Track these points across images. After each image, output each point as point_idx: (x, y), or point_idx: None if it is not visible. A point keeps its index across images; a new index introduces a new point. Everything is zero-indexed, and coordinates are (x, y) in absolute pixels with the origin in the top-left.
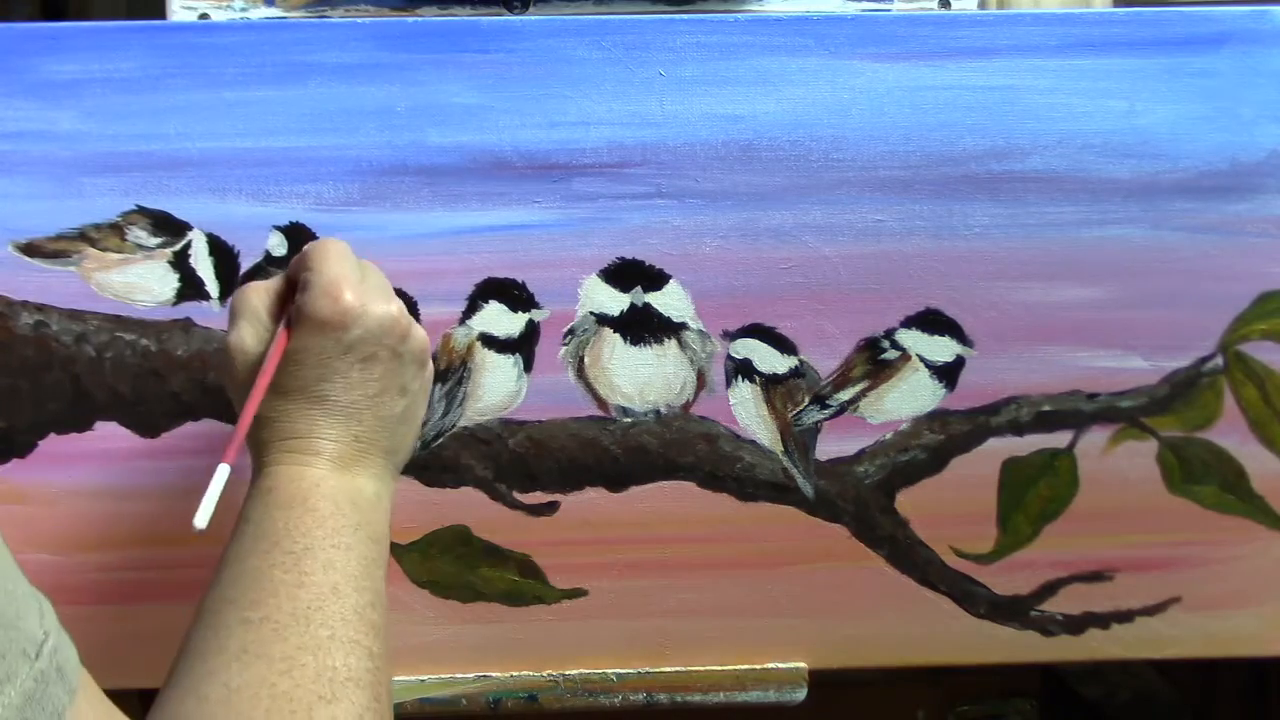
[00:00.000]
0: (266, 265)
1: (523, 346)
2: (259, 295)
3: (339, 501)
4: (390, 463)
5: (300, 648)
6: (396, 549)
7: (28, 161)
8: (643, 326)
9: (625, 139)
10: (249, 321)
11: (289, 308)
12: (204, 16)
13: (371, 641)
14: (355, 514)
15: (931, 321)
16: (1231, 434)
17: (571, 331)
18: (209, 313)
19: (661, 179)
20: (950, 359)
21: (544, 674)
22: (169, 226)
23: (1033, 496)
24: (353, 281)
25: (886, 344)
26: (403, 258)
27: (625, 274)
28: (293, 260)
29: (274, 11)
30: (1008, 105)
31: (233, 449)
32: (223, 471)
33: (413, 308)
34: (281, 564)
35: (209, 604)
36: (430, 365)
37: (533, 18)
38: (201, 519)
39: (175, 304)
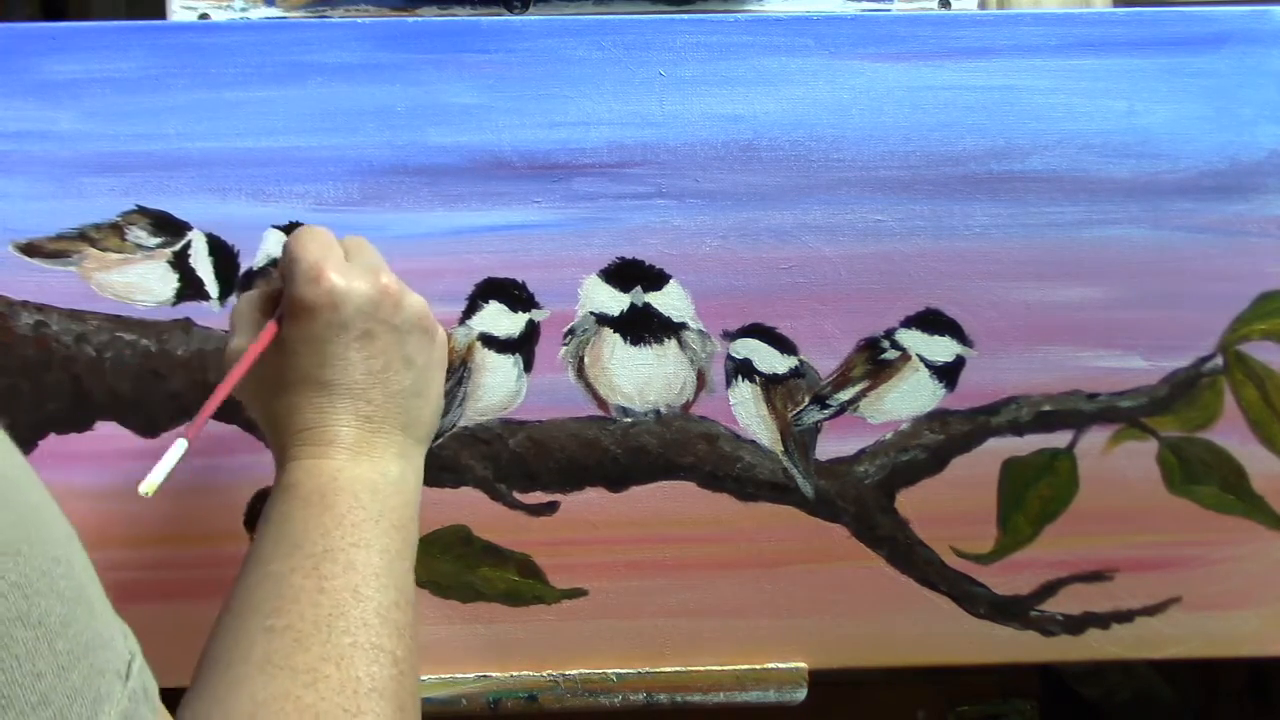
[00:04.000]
0: (270, 266)
1: (523, 346)
2: (250, 301)
3: (358, 493)
4: (409, 438)
5: (323, 658)
6: None
7: (28, 161)
8: (643, 326)
9: (625, 139)
10: (241, 328)
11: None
12: (204, 16)
13: (395, 644)
14: (375, 503)
15: (931, 321)
16: (1231, 434)
17: (571, 331)
18: (209, 313)
19: (661, 179)
20: (950, 359)
21: (544, 674)
22: (169, 226)
23: (1033, 496)
24: (335, 261)
25: (886, 344)
26: (403, 258)
27: (625, 274)
28: (280, 258)
29: (274, 11)
30: (1008, 105)
31: (195, 426)
32: (179, 446)
33: None
34: (301, 568)
35: (233, 607)
36: (440, 332)
37: (533, 18)
38: (147, 485)
39: (175, 304)
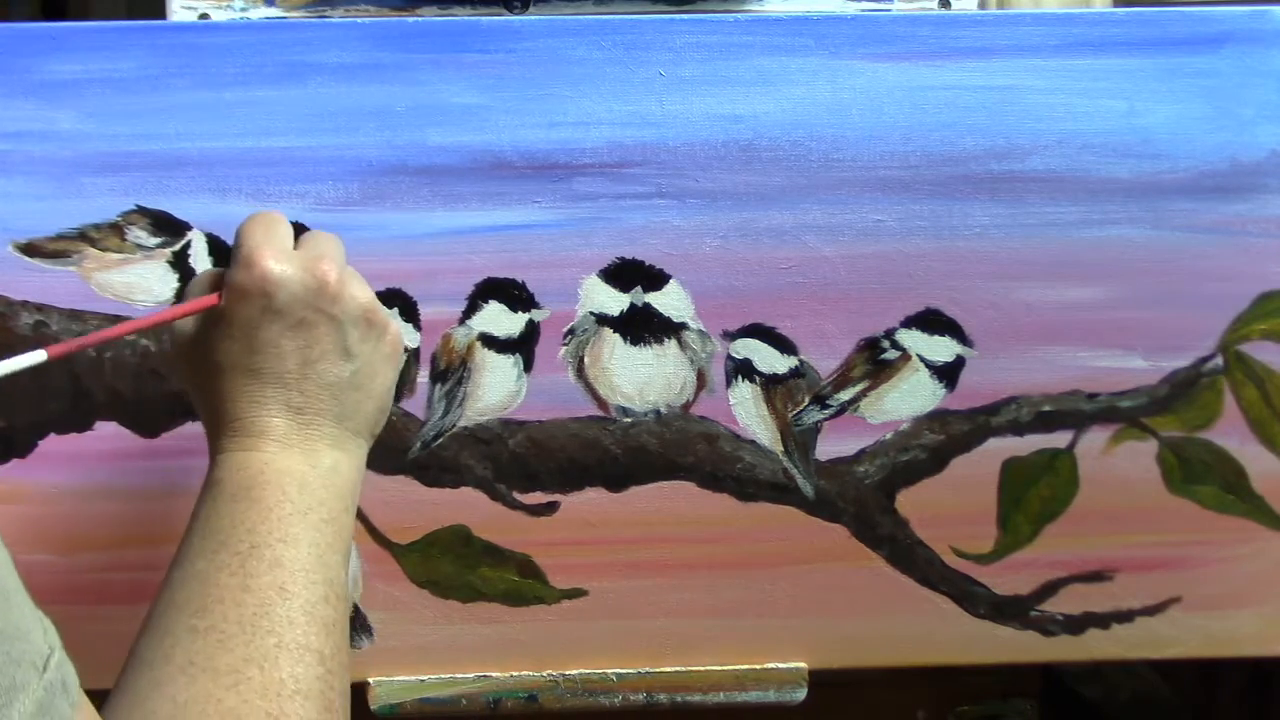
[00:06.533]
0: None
1: (523, 346)
2: (202, 278)
3: (285, 487)
4: (345, 429)
5: (246, 659)
6: (396, 549)
7: (28, 161)
8: (643, 326)
9: (625, 139)
10: (187, 300)
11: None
12: (204, 16)
13: (323, 643)
14: (304, 497)
15: (931, 321)
16: (1231, 434)
17: (571, 331)
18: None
19: (661, 179)
20: (950, 359)
21: (544, 674)
22: (169, 226)
23: (1033, 496)
24: (276, 249)
25: (886, 344)
26: (403, 258)
27: (625, 274)
28: None
29: (274, 11)
30: (1008, 105)
31: (65, 346)
32: (38, 355)
33: (413, 308)
34: (228, 566)
35: (157, 608)
36: (392, 329)
37: (533, 18)
38: None
39: (175, 304)
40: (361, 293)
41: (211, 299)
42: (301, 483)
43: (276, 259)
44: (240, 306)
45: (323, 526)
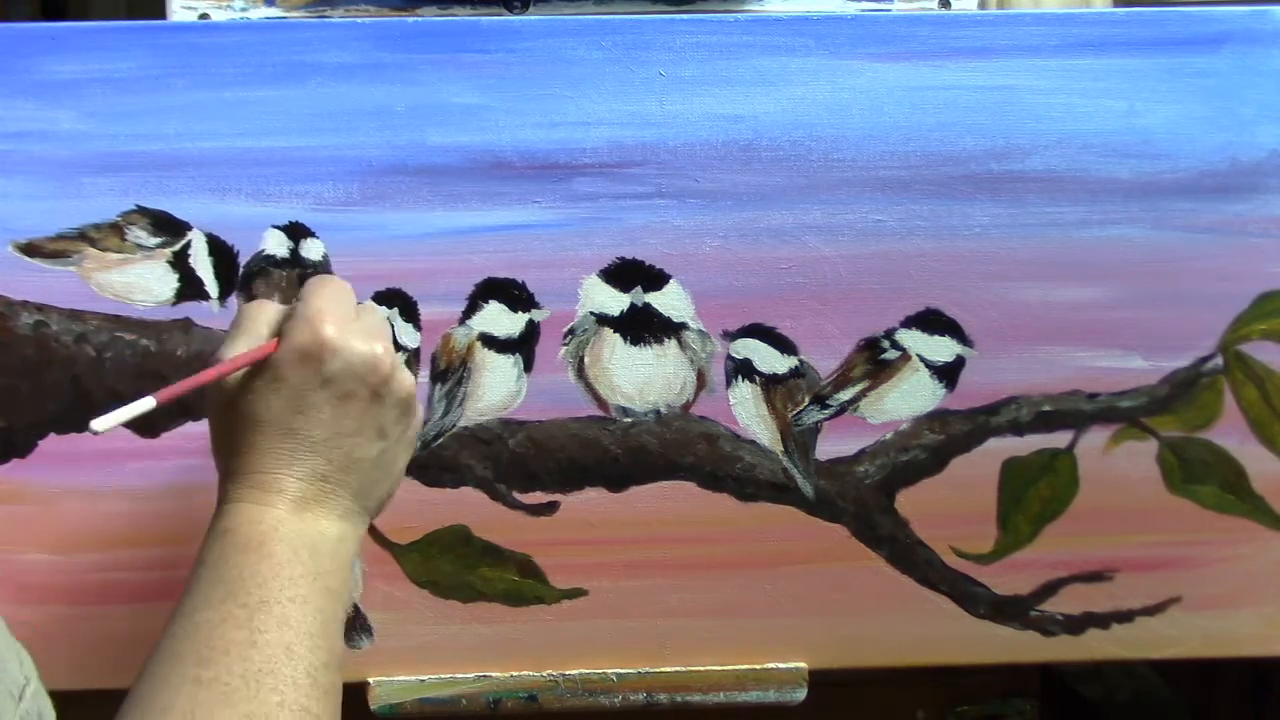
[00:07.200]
0: (267, 265)
1: (523, 346)
2: (265, 313)
3: (297, 548)
4: (358, 504)
5: (248, 715)
6: (396, 549)
7: (28, 161)
8: (643, 326)
9: (625, 139)
10: (246, 337)
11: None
12: (204, 16)
13: (321, 708)
14: (314, 562)
15: (931, 321)
16: (1231, 434)
17: (571, 331)
18: (208, 313)
19: (661, 179)
20: (950, 359)
21: (544, 674)
22: (169, 226)
23: (1033, 496)
24: (338, 315)
25: (886, 344)
26: (403, 258)
27: (625, 274)
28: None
29: (274, 11)
30: (1008, 105)
31: (169, 391)
32: (148, 402)
33: (413, 308)
34: (234, 618)
35: (161, 654)
36: (418, 416)
37: (533, 18)
38: (101, 423)
39: (175, 304)
40: (406, 378)
41: (272, 346)
42: (314, 548)
43: (339, 328)
44: (294, 366)
45: (329, 595)
